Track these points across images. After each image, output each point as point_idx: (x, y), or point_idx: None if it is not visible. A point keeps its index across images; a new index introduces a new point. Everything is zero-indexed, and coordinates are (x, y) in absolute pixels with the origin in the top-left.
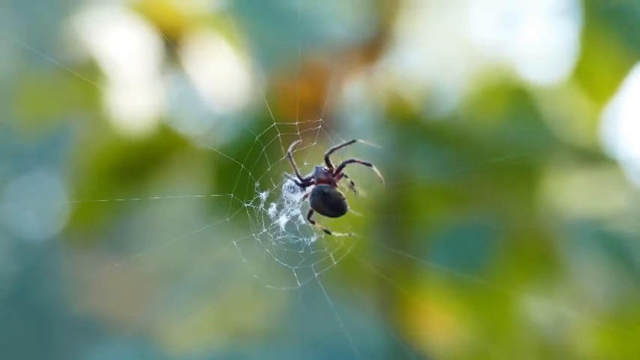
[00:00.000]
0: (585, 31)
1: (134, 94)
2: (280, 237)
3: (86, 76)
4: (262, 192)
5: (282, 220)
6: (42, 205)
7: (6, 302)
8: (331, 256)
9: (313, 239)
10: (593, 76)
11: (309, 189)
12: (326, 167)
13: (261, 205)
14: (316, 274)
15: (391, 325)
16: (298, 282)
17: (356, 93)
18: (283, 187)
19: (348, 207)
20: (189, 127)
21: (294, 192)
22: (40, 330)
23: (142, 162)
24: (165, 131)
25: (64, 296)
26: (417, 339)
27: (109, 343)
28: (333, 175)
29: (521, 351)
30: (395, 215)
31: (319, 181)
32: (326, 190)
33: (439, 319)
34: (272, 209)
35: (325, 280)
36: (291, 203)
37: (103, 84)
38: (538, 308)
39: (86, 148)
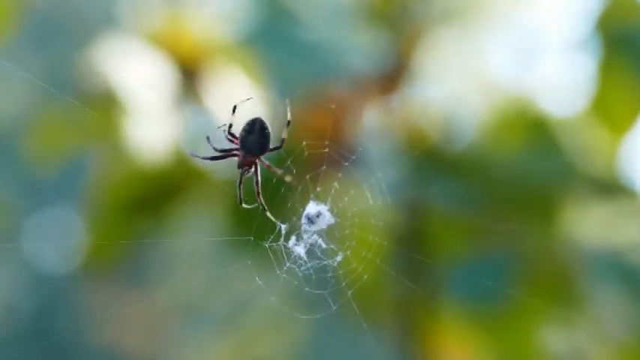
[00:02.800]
0: (603, 62)
1: (151, 125)
2: (304, 267)
3: (104, 108)
4: (283, 224)
5: (301, 250)
6: (61, 240)
7: (25, 337)
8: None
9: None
10: (611, 108)
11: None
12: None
13: (282, 240)
14: (349, 292)
15: (410, 357)
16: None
17: (374, 124)
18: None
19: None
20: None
21: (310, 224)
22: None
23: (159, 194)
24: (182, 162)
25: (82, 331)
26: None
27: None
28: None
29: None
30: (412, 246)
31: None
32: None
33: (458, 350)
34: (292, 241)
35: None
36: (309, 233)
37: (120, 115)
38: (556, 340)
39: (103, 180)
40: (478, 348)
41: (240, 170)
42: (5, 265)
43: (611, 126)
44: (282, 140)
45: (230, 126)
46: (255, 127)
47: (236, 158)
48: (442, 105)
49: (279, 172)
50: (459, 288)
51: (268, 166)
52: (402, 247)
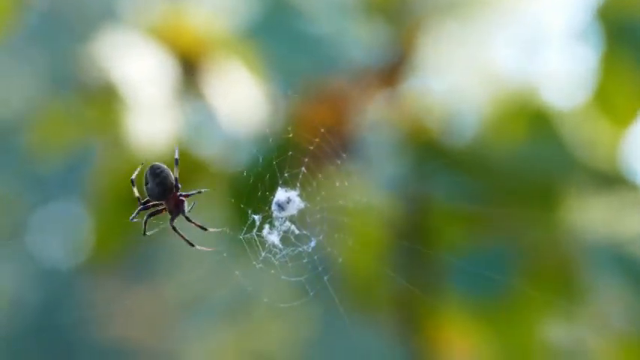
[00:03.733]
0: (605, 54)
1: (152, 118)
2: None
3: (105, 101)
4: (255, 215)
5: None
6: (66, 234)
7: (31, 331)
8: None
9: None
10: (614, 100)
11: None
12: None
13: (254, 231)
14: (325, 278)
15: (411, 350)
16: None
17: (375, 117)
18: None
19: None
20: (207, 151)
21: (280, 210)
22: (63, 358)
23: None
24: (183, 155)
25: (87, 324)
26: None
27: None
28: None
29: None
30: (413, 239)
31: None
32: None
33: (459, 341)
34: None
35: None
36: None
37: (121, 109)
38: (558, 332)
39: (104, 174)
40: (479, 341)
41: (173, 214)
42: (10, 259)
43: (613, 118)
44: (176, 180)
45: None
46: (149, 177)
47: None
48: (444, 97)
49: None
50: (460, 280)
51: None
52: (402, 239)
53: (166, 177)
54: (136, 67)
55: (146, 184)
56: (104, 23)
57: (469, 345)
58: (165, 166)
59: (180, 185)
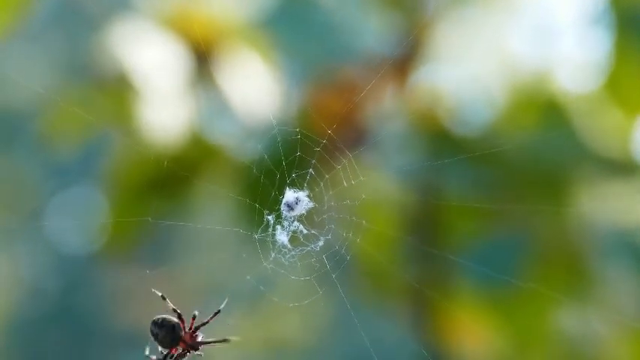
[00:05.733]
0: (617, 41)
1: (166, 107)
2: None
3: (119, 90)
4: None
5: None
6: (84, 221)
7: (49, 317)
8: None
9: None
10: (625, 87)
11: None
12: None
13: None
14: (333, 276)
15: (424, 337)
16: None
17: (388, 106)
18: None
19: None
20: (221, 140)
21: (290, 210)
22: (81, 343)
23: (174, 175)
24: (197, 144)
25: (104, 310)
26: (449, 350)
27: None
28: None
29: (553, 359)
30: (425, 229)
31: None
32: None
33: (471, 330)
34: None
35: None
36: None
37: (134, 98)
38: (569, 320)
39: (119, 162)
40: (491, 328)
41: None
42: (29, 245)
43: (624, 105)
44: (182, 320)
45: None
46: (156, 330)
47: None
48: (457, 86)
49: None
50: (473, 270)
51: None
52: (414, 229)
53: (172, 326)
54: (149, 56)
55: (155, 338)
56: (119, 12)
57: (481, 334)
58: (166, 316)
59: (186, 323)
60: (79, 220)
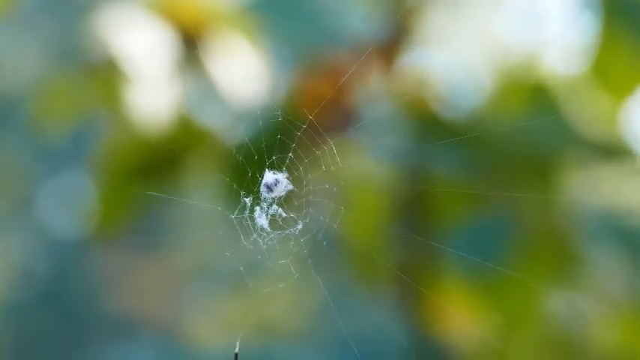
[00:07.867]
0: (604, 24)
1: (154, 91)
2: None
3: (106, 75)
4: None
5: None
6: (74, 205)
7: (39, 300)
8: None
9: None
10: (613, 70)
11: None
12: None
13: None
14: (309, 261)
15: (410, 320)
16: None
17: (375, 90)
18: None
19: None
20: (208, 124)
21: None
22: (72, 328)
23: (161, 159)
24: (184, 128)
25: (95, 294)
26: (435, 333)
27: (137, 340)
28: None
29: (540, 343)
30: (412, 212)
31: None
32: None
33: (458, 314)
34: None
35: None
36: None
37: (122, 82)
38: (556, 302)
39: (108, 146)
40: (479, 311)
41: None
42: (19, 230)
43: (612, 88)
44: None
45: None
46: None
47: None
48: (444, 70)
49: None
50: (459, 251)
51: None
52: (401, 212)
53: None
54: (138, 41)
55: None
56: None
57: (468, 318)
58: None
59: None
60: (69, 204)
